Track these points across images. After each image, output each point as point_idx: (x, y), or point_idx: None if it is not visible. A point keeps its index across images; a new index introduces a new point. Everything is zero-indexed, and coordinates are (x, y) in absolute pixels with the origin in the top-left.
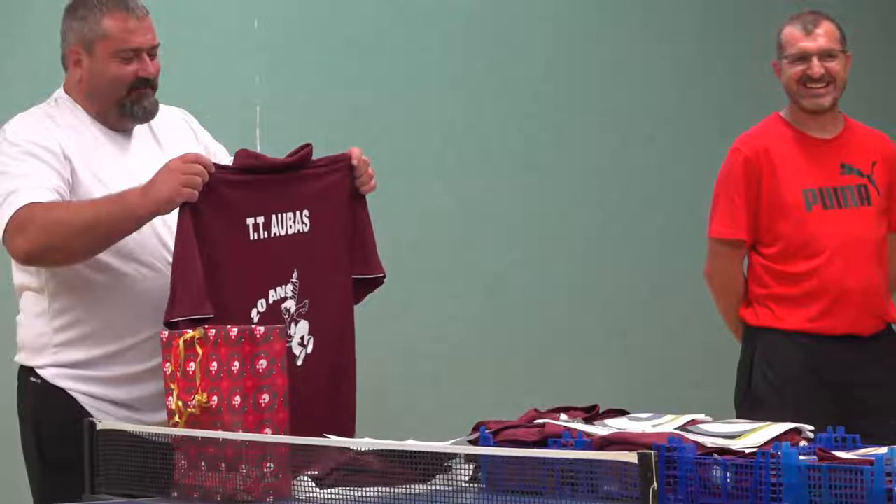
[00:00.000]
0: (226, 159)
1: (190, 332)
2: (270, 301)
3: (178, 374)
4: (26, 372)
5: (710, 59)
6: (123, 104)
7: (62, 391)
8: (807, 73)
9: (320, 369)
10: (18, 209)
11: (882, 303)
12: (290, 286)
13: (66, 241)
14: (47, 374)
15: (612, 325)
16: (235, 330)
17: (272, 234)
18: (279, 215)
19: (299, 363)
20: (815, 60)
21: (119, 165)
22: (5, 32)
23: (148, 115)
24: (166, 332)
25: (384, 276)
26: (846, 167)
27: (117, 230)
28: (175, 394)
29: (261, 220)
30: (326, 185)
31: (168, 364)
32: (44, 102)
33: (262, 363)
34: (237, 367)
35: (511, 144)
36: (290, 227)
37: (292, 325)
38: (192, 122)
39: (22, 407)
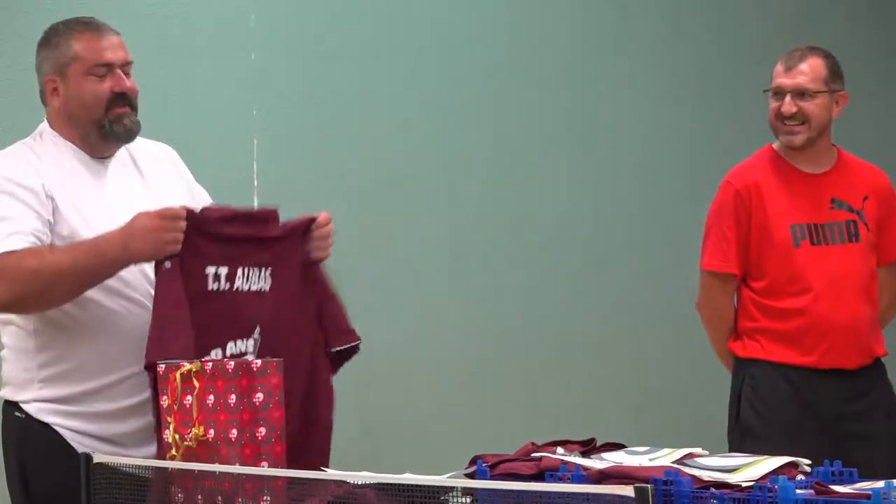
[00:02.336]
0: (208, 201)
1: (187, 365)
2: (228, 353)
3: (175, 407)
4: (10, 407)
5: (715, 81)
6: (103, 125)
7: (46, 426)
8: (780, 109)
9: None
10: None
11: (869, 339)
12: (251, 341)
13: (42, 291)
14: (32, 409)
15: (608, 361)
16: (232, 363)
17: (235, 287)
18: (245, 269)
19: None
20: (787, 98)
21: (98, 194)
22: None
23: (130, 134)
24: (163, 366)
25: (359, 342)
26: (836, 202)
27: (93, 278)
28: (171, 427)
29: (223, 270)
30: (286, 248)
31: (164, 397)
32: (28, 137)
33: (259, 396)
34: (234, 401)
35: (505, 160)
36: (255, 283)
37: None
38: (176, 161)
39: (6, 442)
